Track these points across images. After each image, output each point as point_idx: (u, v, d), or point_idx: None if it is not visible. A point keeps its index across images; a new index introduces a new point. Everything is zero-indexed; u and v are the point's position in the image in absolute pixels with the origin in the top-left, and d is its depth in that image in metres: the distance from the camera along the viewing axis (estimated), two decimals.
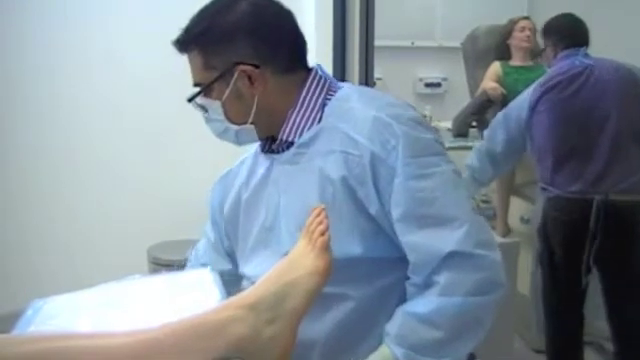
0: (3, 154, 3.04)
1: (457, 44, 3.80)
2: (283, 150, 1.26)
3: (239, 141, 1.30)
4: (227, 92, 1.22)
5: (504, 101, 3.07)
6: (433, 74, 4.93)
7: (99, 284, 1.28)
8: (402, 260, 1.14)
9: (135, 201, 3.11)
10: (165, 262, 2.81)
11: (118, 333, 0.92)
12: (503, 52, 3.35)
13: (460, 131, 3.57)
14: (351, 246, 1.14)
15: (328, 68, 2.06)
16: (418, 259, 1.11)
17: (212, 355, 0.88)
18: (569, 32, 2.65)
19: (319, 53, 2.14)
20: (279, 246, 1.22)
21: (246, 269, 1.34)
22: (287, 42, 1.26)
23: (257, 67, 1.20)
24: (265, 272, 1.05)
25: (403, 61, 4.71)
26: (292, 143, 1.24)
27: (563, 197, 2.48)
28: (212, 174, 3.10)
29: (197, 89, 1.27)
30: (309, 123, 1.22)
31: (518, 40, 3.27)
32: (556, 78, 2.55)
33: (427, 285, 1.09)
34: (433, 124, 3.62)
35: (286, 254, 1.06)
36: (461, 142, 3.50)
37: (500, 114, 2.71)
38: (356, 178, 1.14)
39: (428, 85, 4.98)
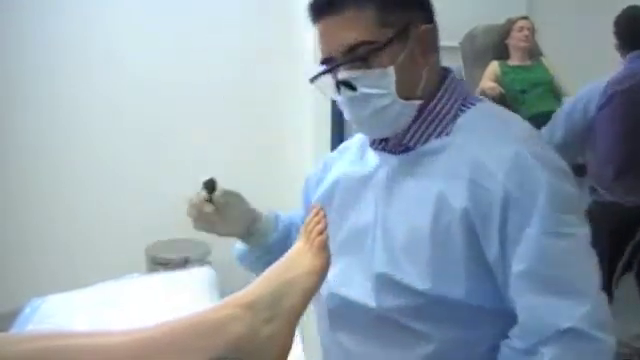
0: (2, 154, 3.04)
1: (454, 43, 3.80)
2: (398, 152, 1.09)
3: (396, 122, 1.06)
4: (402, 55, 1.01)
5: (502, 101, 3.07)
6: None
7: (97, 282, 1.28)
8: (500, 314, 1.00)
9: (133, 200, 3.11)
10: (163, 261, 2.81)
11: (116, 332, 0.92)
12: (501, 52, 3.35)
13: None
14: (453, 286, 0.99)
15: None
16: (529, 324, 0.96)
17: (210, 354, 0.88)
18: (634, 32, 2.47)
19: (316, 52, 2.13)
20: (370, 263, 1.07)
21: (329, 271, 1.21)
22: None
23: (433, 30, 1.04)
24: (347, 281, 1.07)
25: None
26: (410, 148, 1.07)
27: (617, 204, 2.39)
28: (211, 175, 3.12)
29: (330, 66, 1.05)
30: (437, 131, 1.06)
31: (516, 40, 3.26)
32: (628, 81, 2.42)
33: (529, 353, 0.96)
34: None
35: (377, 275, 1.02)
36: None
37: (566, 105, 2.60)
38: (481, 215, 0.97)
39: None
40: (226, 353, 0.89)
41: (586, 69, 2.84)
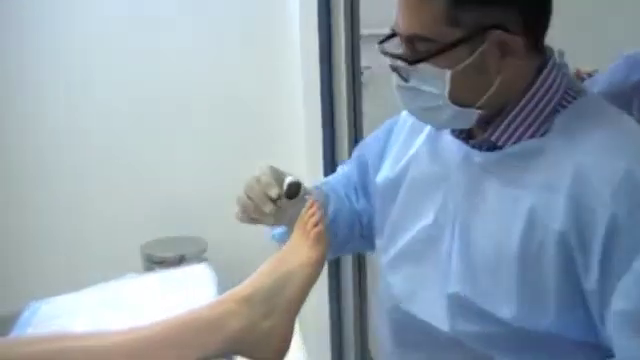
0: (1, 154, 3.03)
1: None
2: (483, 149, 0.95)
3: (444, 125, 0.97)
4: (467, 62, 0.87)
5: None
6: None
7: (94, 282, 1.28)
8: (589, 347, 0.88)
9: (128, 198, 3.10)
10: (159, 259, 2.81)
11: (114, 331, 0.92)
12: None
13: None
14: (540, 317, 0.87)
15: (314, 58, 2.05)
16: None
17: (210, 350, 0.89)
18: None
19: (304, 42, 2.13)
20: (444, 280, 0.95)
21: (389, 277, 1.07)
22: (548, 13, 0.93)
23: (520, 37, 0.88)
24: (415, 296, 1.00)
25: None
26: (497, 147, 0.93)
27: None
28: (206, 172, 3.12)
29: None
30: (531, 130, 0.91)
31: None
32: None
33: None
34: None
35: (453, 295, 0.93)
36: None
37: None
38: (581, 240, 0.83)
39: None
40: (225, 348, 0.90)
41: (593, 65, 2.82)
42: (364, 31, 2.07)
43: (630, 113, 2.22)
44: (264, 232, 1.22)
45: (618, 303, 0.81)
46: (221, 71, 3.09)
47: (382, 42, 0.95)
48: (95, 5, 2.99)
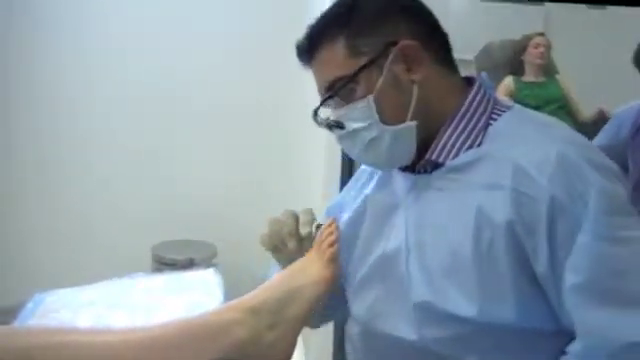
0: (10, 153, 3.05)
1: (469, 57, 3.79)
2: (427, 171, 1.01)
3: (392, 154, 1.00)
4: (381, 80, 0.96)
5: None
6: None
7: (101, 279, 1.28)
8: (555, 336, 0.91)
9: (140, 200, 3.12)
10: (168, 261, 2.82)
11: (118, 330, 0.91)
12: (516, 67, 3.34)
13: None
14: (502, 310, 0.90)
15: None
16: (591, 340, 0.86)
17: (211, 356, 0.88)
18: None
19: None
20: (406, 292, 0.98)
21: (353, 306, 1.10)
22: (441, 30, 1.03)
23: (417, 46, 0.97)
24: (381, 314, 1.01)
25: None
26: (439, 165, 0.99)
27: None
28: (216, 175, 3.13)
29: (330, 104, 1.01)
30: (467, 144, 0.97)
31: (532, 56, 3.25)
32: None
33: None
34: None
35: (417, 305, 0.95)
36: None
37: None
38: (526, 227, 0.88)
39: None
40: (227, 356, 0.89)
41: (601, 87, 2.83)
42: None
43: (626, 163, 2.32)
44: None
45: (569, 279, 0.85)
46: (239, 76, 3.11)
47: (315, 114, 1.02)
48: (125, 5, 3.02)
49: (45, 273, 2.68)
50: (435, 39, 1.01)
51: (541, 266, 0.88)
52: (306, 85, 2.69)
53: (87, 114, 3.07)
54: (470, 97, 1.00)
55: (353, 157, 1.07)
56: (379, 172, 1.11)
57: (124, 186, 3.12)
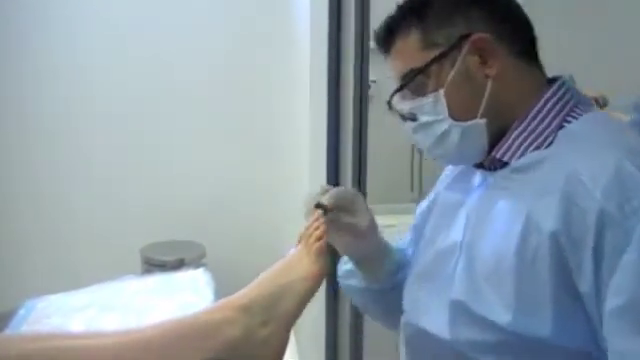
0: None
1: None
2: (495, 168, 0.98)
3: (461, 151, 0.98)
4: (452, 74, 0.94)
5: None
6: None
7: (92, 283, 1.28)
8: (591, 359, 0.85)
9: (128, 201, 3.11)
10: (158, 262, 2.81)
11: (110, 333, 0.92)
12: None
13: None
14: (537, 322, 0.85)
15: (323, 71, 2.06)
16: None
17: (204, 356, 0.89)
18: None
19: (314, 56, 2.14)
20: (448, 290, 0.97)
21: (404, 298, 1.11)
22: (523, 21, 0.99)
23: (493, 40, 0.94)
24: (423, 309, 1.02)
25: None
26: (505, 164, 0.96)
27: None
28: (206, 175, 3.13)
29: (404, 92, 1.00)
30: (534, 145, 0.93)
31: None
32: None
33: None
34: None
35: (453, 303, 0.95)
36: None
37: None
38: (573, 239, 0.82)
39: None
40: (219, 355, 0.89)
41: (580, 82, 2.83)
42: (372, 45, 2.07)
43: None
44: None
45: (611, 301, 0.79)
46: (226, 79, 3.11)
47: (389, 105, 1.02)
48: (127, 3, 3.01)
49: (35, 278, 2.66)
50: (514, 31, 0.97)
51: (585, 284, 0.81)
52: (294, 88, 2.71)
53: (75, 118, 3.05)
54: (547, 95, 0.95)
55: (425, 151, 1.03)
56: (459, 168, 1.10)
57: (110, 189, 3.11)
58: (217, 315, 0.92)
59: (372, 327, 2.07)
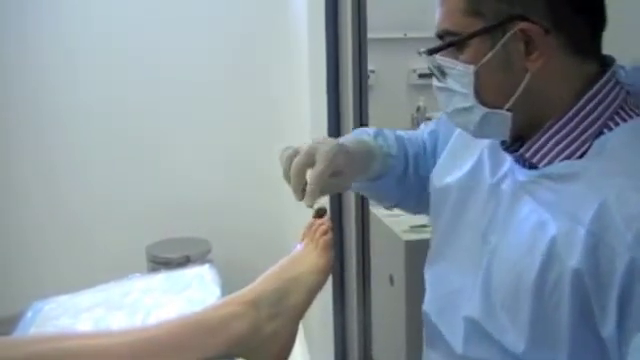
0: (3, 154, 3.04)
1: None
2: (526, 165, 0.91)
3: (479, 131, 0.90)
4: (489, 55, 0.84)
5: None
6: (426, 65, 4.89)
7: (98, 282, 1.28)
8: None
9: (133, 199, 3.12)
10: (164, 260, 2.82)
11: (117, 331, 0.92)
12: None
13: None
14: (552, 355, 0.81)
15: (321, 62, 2.05)
16: None
17: (212, 352, 0.89)
18: None
19: (311, 47, 2.13)
20: (466, 302, 0.94)
21: (427, 271, 1.08)
22: (593, 4, 0.86)
23: (546, 32, 0.82)
24: (443, 310, 1.01)
25: (396, 53, 4.70)
26: (535, 166, 0.88)
27: None
28: (210, 173, 3.12)
29: (441, 42, 0.90)
30: (565, 154, 0.85)
31: None
32: None
33: None
34: (428, 115, 3.62)
35: (468, 319, 0.93)
36: None
37: None
38: (597, 279, 0.75)
39: (421, 76, 4.94)
40: (228, 350, 0.89)
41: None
42: (370, 35, 2.07)
43: None
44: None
45: (635, 356, 0.73)
46: (227, 76, 3.10)
47: (436, 51, 0.91)
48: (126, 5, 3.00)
49: (41, 278, 2.68)
50: (580, 19, 0.85)
51: (607, 328, 0.76)
52: (295, 87, 2.70)
53: (80, 116, 3.05)
54: (590, 94, 0.84)
55: (443, 112, 0.96)
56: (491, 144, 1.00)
57: (113, 188, 3.11)
58: (224, 311, 0.92)
59: (380, 319, 2.07)
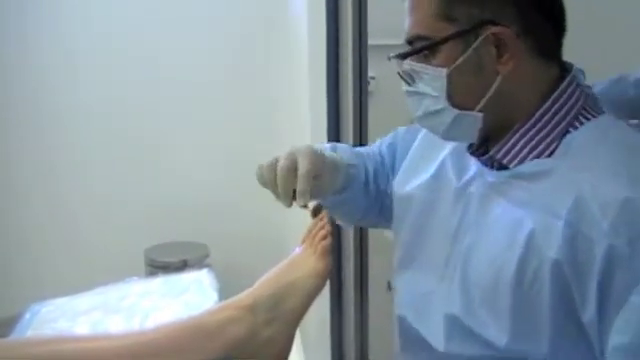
0: (3, 154, 3.04)
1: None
2: (492, 165, 0.93)
3: (449, 133, 0.93)
4: (462, 59, 0.86)
5: None
6: None
7: (96, 286, 1.29)
8: None
9: (133, 200, 3.12)
10: (162, 264, 2.81)
11: (114, 335, 0.92)
12: None
13: None
14: (534, 344, 0.83)
15: (321, 68, 2.06)
16: None
17: (210, 355, 0.89)
18: None
19: (312, 53, 2.14)
20: (445, 300, 0.94)
21: (397, 278, 1.09)
22: (557, 12, 0.90)
23: (516, 36, 0.85)
24: (420, 312, 1.00)
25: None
26: (505, 166, 0.91)
27: None
28: (209, 176, 3.12)
29: (411, 48, 0.92)
30: (534, 153, 0.88)
31: None
32: None
33: None
34: None
35: (450, 316, 0.92)
36: None
37: None
38: (576, 268, 0.78)
39: None
40: (225, 355, 0.89)
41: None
42: (370, 41, 2.07)
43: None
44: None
45: (615, 338, 0.76)
46: (227, 76, 3.10)
47: (407, 55, 0.93)
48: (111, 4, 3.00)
49: (39, 282, 2.67)
50: (545, 24, 0.89)
51: (587, 315, 0.78)
52: (295, 93, 2.71)
53: (79, 119, 3.06)
54: (554, 95, 0.88)
55: (414, 118, 0.97)
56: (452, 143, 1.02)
57: (112, 191, 3.11)
58: (221, 315, 0.92)
59: (377, 324, 2.07)
